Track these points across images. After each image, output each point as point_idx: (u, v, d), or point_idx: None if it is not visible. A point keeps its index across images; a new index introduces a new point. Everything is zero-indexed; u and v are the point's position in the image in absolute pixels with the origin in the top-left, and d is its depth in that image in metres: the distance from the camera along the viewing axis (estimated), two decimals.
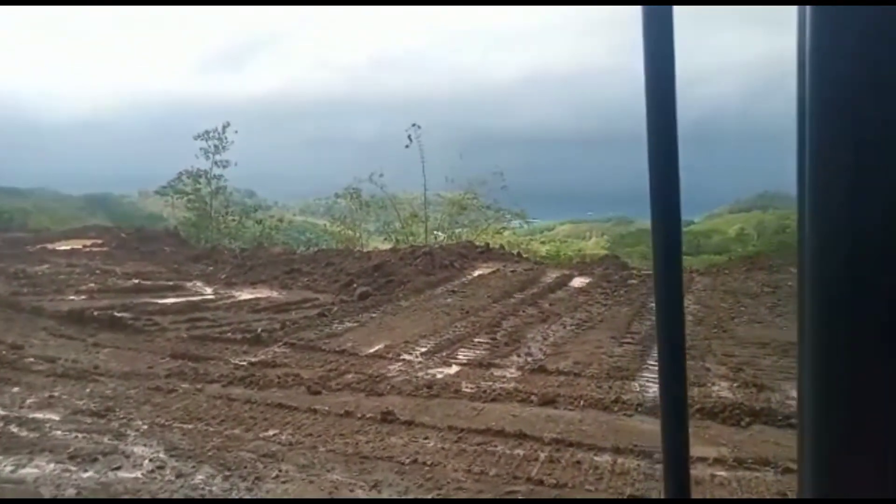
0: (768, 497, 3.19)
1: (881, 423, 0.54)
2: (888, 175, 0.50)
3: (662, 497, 0.78)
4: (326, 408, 4.44)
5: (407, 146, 16.29)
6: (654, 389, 4.73)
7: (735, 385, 4.73)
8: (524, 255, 15.15)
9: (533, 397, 4.57)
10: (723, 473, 3.42)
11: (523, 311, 7.55)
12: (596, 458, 3.63)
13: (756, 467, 3.46)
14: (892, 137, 0.50)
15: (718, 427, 4.04)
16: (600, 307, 7.72)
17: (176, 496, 3.29)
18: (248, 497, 3.27)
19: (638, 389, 4.74)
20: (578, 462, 3.59)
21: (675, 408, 0.71)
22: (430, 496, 3.24)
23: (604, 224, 43.21)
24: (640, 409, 4.34)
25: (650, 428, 4.05)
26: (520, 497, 3.22)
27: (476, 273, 10.45)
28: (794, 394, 4.48)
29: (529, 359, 5.57)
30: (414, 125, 16.70)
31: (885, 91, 0.50)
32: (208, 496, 3.28)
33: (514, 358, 5.62)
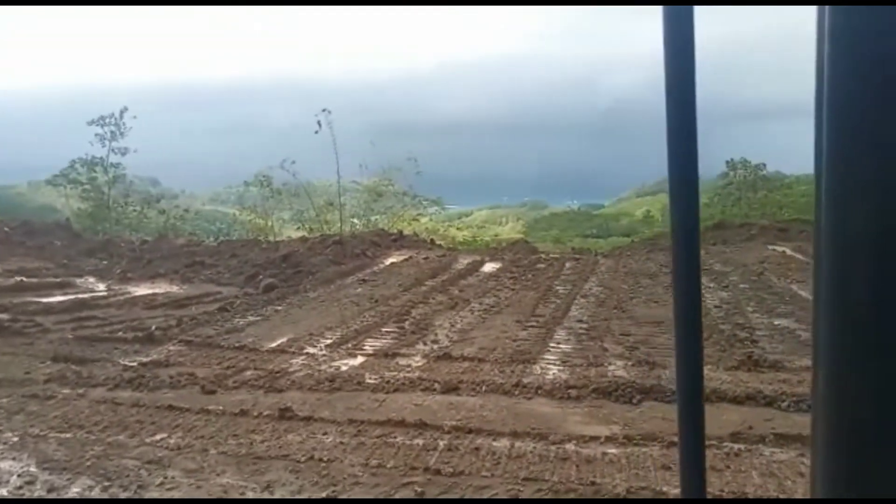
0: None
1: (893, 423, 0.54)
2: None
3: (680, 497, 0.76)
4: (221, 407, 4.25)
5: (316, 132, 15.85)
6: (553, 371, 4.84)
7: (630, 364, 4.91)
8: (438, 242, 15.22)
9: (436, 385, 4.57)
10: (613, 451, 3.53)
11: (433, 299, 7.55)
12: (494, 444, 3.66)
13: (644, 443, 3.59)
14: None
15: (612, 405, 4.17)
16: (508, 292, 7.84)
17: None
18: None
19: (539, 372, 4.83)
20: (477, 448, 3.60)
21: (692, 415, 0.71)
22: (324, 494, 3.16)
23: (519, 209, 44.25)
24: (539, 391, 4.42)
25: (547, 410, 4.14)
26: (417, 487, 3.20)
27: (388, 261, 10.38)
28: None
29: (435, 346, 5.57)
30: (324, 110, 16.28)
31: None
32: None
33: (421, 346, 5.60)
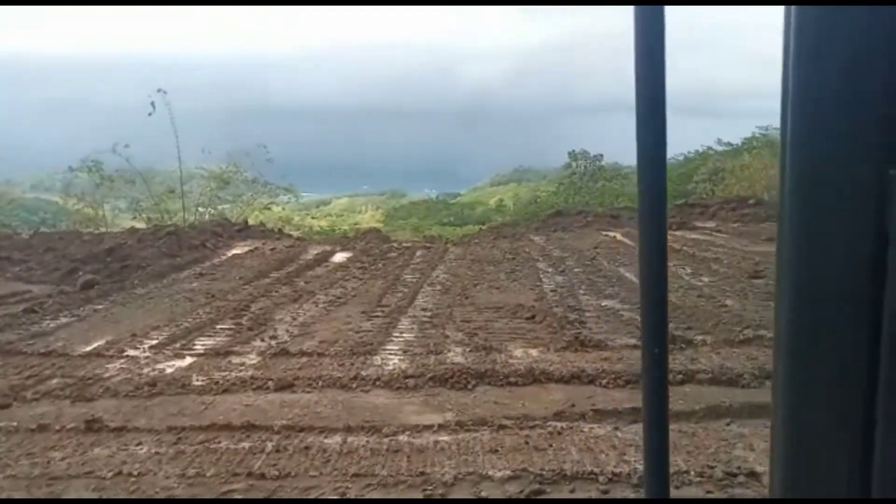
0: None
1: (850, 425, 0.54)
2: (867, 171, 0.51)
3: (643, 497, 0.76)
4: (15, 423, 3.74)
5: (150, 114, 14.60)
6: (394, 362, 4.81)
7: (468, 349, 5.01)
8: (292, 232, 14.73)
9: (270, 383, 4.35)
10: (445, 439, 3.57)
11: (276, 292, 7.24)
12: (326, 441, 3.55)
13: (475, 428, 3.67)
14: (870, 134, 0.51)
15: (448, 392, 4.22)
16: (356, 282, 7.72)
17: None
18: None
19: (379, 363, 4.78)
20: (307, 447, 3.47)
21: (657, 414, 0.71)
22: None
23: (379, 197, 44.07)
24: (377, 383, 4.37)
25: (384, 402, 4.10)
26: (237, 496, 3.01)
27: (231, 253, 9.83)
28: (516, 353, 4.85)
29: (273, 342, 5.32)
30: (159, 90, 15.01)
31: (865, 89, 0.51)
32: None
33: (257, 343, 5.33)
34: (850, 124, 0.52)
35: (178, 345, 5.26)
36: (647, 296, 0.68)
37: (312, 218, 24.40)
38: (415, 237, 16.08)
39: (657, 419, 0.71)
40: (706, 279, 7.25)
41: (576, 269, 8.05)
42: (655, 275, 0.67)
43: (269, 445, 3.49)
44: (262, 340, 5.39)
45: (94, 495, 3.01)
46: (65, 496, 3.01)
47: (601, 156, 20.16)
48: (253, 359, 4.93)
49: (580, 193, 19.19)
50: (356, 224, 25.79)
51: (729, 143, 21.04)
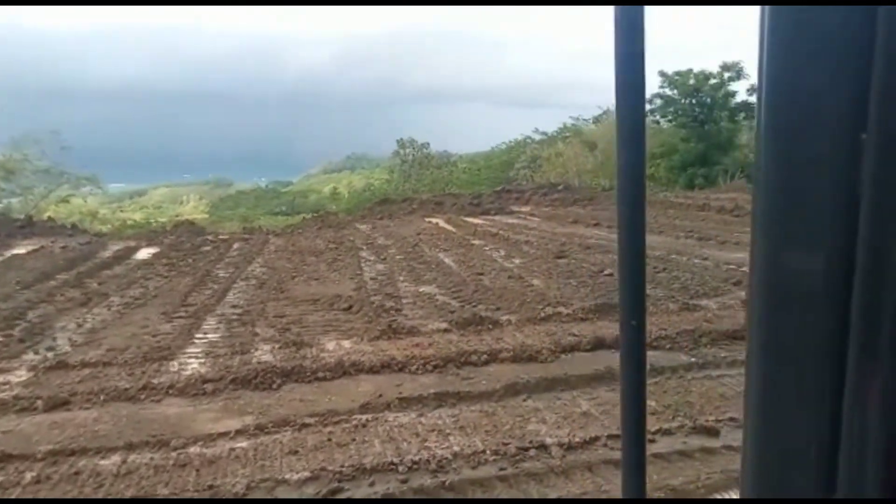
0: None
1: (819, 424, 0.54)
2: (838, 170, 0.52)
3: (621, 497, 0.72)
4: None
5: None
6: (193, 366, 4.44)
7: (277, 346, 4.78)
8: (92, 227, 13.29)
9: (39, 402, 3.80)
10: (242, 445, 3.34)
11: (62, 296, 6.41)
12: (101, 463, 3.16)
13: (276, 430, 3.48)
14: (840, 133, 0.51)
15: (250, 394, 3.98)
16: (160, 280, 7.08)
17: None
18: None
19: (175, 369, 4.39)
20: (77, 473, 3.06)
21: (634, 414, 0.71)
22: None
23: (202, 187, 41.31)
24: (171, 391, 4.00)
25: (176, 412, 3.76)
26: None
27: (9, 253, 8.56)
28: (328, 346, 4.71)
29: (50, 354, 4.68)
30: None
31: (835, 89, 0.51)
32: None
33: (30, 356, 4.65)
34: (821, 121, 0.54)
35: None
36: (624, 267, 0.68)
37: (123, 211, 22.23)
38: (240, 229, 15.26)
39: (635, 427, 0.71)
40: (517, 261, 7.64)
41: (398, 257, 8.08)
42: (633, 247, 0.68)
43: (28, 476, 3.03)
44: (37, 353, 4.72)
45: None
46: None
47: (428, 144, 20.56)
48: (21, 375, 4.29)
49: (409, 181, 19.43)
50: (177, 216, 23.96)
51: (545, 133, 22.48)
